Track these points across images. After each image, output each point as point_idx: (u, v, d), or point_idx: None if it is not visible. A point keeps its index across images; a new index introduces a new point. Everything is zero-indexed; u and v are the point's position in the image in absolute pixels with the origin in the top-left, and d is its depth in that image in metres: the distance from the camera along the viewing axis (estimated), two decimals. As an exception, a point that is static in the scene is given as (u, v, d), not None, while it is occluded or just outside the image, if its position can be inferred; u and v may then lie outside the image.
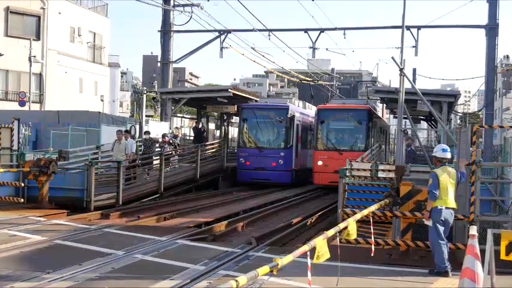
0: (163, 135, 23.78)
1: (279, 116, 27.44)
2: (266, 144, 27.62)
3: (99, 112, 27.69)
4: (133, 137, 21.19)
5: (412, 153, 20.10)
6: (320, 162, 26.74)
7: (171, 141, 23.68)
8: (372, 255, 9.27)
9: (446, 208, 9.33)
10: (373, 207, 9.96)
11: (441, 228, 9.31)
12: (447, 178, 9.38)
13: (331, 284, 8.27)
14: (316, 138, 27.84)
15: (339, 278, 8.30)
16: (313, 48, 32.28)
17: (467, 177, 9.92)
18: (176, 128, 25.70)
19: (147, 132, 23.08)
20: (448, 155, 9.74)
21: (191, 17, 29.42)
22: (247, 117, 27.87)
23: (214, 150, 27.75)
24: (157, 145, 23.38)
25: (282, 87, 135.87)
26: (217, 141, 30.27)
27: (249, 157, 27.17)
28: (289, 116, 27.38)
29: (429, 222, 9.39)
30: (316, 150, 27.51)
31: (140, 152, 22.08)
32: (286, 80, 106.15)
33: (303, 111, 31.51)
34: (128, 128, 24.49)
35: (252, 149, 27.43)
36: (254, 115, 27.72)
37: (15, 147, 18.98)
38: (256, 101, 30.19)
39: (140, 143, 22.61)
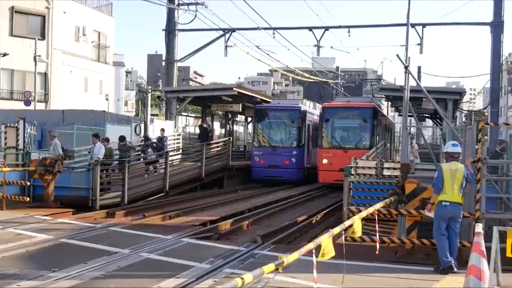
0: (145, 138, 22.52)
1: (291, 116, 28.71)
2: (279, 144, 28.76)
3: (104, 111, 27.71)
4: (107, 140, 19.52)
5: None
6: (325, 161, 26.97)
7: (154, 144, 22.38)
8: (377, 253, 9.26)
9: (452, 203, 9.29)
10: (379, 205, 9.95)
11: (443, 224, 9.29)
12: (453, 173, 9.34)
13: (337, 281, 8.27)
14: (321, 136, 28.06)
15: (345, 275, 8.30)
16: (318, 47, 32.31)
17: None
18: (162, 129, 24.48)
19: (122, 138, 21.09)
20: (459, 149, 9.79)
21: (196, 15, 29.49)
22: (261, 117, 29.13)
23: (219, 149, 27.78)
24: (133, 150, 21.62)
25: (286, 85, 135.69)
26: (222, 139, 30.30)
27: (263, 155, 28.34)
28: (301, 116, 28.56)
29: (430, 214, 9.39)
30: (321, 148, 27.74)
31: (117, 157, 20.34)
32: (290, 78, 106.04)
33: (313, 111, 32.44)
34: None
35: (266, 148, 28.61)
36: (268, 116, 29.04)
37: (20, 146, 19.04)
38: (269, 102, 31.44)
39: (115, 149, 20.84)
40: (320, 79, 49.88)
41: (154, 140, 23.49)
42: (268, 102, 31.88)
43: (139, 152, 23.26)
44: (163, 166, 21.71)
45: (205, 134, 28.64)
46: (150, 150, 22.03)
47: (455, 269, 9.07)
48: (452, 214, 9.31)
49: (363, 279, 8.87)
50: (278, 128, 29.04)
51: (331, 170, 26.00)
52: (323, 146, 27.68)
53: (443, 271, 9.14)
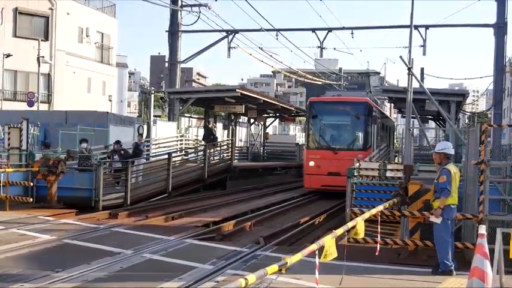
0: (116, 142, 20.29)
1: None
2: None
3: (107, 112, 27.84)
4: (45, 146, 18.62)
5: None
6: (312, 163, 23.85)
7: (122, 151, 20.08)
8: (377, 254, 9.25)
9: (456, 206, 9.44)
10: (381, 207, 9.94)
11: (451, 226, 9.39)
12: (457, 175, 9.45)
13: (339, 283, 8.26)
14: (307, 134, 25.16)
15: (347, 277, 8.31)
16: (321, 48, 32.35)
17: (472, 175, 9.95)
18: (140, 134, 22.89)
19: (84, 140, 19.38)
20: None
21: (199, 17, 29.57)
22: None
23: (222, 150, 27.79)
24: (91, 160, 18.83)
25: (289, 87, 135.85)
26: (225, 140, 30.41)
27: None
28: None
29: (438, 220, 9.35)
30: (308, 148, 24.66)
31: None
32: (293, 79, 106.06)
33: None
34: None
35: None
36: None
37: (24, 147, 19.08)
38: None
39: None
40: (324, 81, 49.87)
41: (130, 146, 21.46)
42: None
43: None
44: (140, 173, 20.72)
45: (210, 135, 28.64)
46: (116, 157, 19.86)
47: (455, 273, 9.11)
48: (454, 216, 9.47)
49: (364, 281, 8.87)
50: None
51: (318, 173, 23.34)
52: (310, 146, 24.42)
53: (443, 273, 9.14)
